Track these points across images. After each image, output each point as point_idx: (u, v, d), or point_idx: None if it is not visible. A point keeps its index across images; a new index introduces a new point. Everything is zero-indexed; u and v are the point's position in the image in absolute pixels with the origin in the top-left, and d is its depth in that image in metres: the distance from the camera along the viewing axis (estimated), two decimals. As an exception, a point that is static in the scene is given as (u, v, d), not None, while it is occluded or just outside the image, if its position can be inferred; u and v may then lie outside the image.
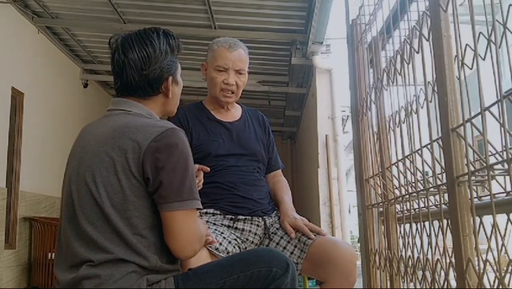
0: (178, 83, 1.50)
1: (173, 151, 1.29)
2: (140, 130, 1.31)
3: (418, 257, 1.47)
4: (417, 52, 1.42)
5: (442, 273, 1.29)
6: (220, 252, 1.66)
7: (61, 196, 1.40)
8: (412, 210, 1.58)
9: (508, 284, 1.07)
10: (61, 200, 1.39)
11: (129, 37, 1.42)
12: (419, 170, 1.48)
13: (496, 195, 1.14)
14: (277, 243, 1.83)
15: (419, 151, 1.43)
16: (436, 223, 1.37)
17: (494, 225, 1.03)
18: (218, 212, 1.82)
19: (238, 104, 2.09)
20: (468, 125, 1.16)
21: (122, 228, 1.26)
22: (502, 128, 1.05)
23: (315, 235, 1.80)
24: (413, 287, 1.50)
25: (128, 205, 1.27)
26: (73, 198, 1.32)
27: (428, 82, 1.34)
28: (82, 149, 1.37)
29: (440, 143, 1.27)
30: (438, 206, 1.39)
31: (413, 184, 1.53)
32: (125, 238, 1.26)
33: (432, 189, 1.38)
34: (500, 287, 1.02)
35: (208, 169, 1.74)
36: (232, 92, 1.94)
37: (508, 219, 1.06)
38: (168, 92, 1.45)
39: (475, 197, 1.20)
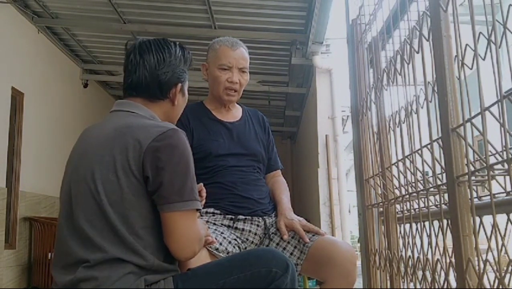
0: (184, 94, 1.53)
1: (174, 151, 1.29)
2: (142, 130, 1.31)
3: (418, 257, 1.47)
4: (417, 52, 1.42)
5: (442, 273, 1.29)
6: (220, 252, 1.66)
7: (60, 195, 1.40)
8: (412, 210, 1.58)
9: (508, 284, 1.07)
10: (60, 199, 1.39)
11: (147, 41, 1.47)
12: (419, 170, 1.48)
13: (496, 195, 1.14)
14: (277, 244, 1.83)
15: (419, 151, 1.43)
16: (436, 223, 1.37)
17: (494, 225, 1.03)
18: (218, 211, 1.82)
19: (238, 104, 2.10)
20: (468, 125, 1.16)
21: (119, 227, 1.26)
22: (502, 128, 1.05)
23: (313, 235, 1.80)
24: (413, 287, 1.50)
25: (126, 204, 1.27)
26: (71, 196, 1.32)
27: (428, 82, 1.34)
28: (83, 148, 1.38)
29: (440, 143, 1.27)
30: (438, 206, 1.39)
31: (413, 184, 1.52)
32: (122, 236, 1.26)
33: (432, 189, 1.38)
34: (500, 287, 1.02)
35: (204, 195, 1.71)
36: (235, 91, 1.95)
37: (508, 219, 1.06)
38: (175, 99, 1.47)
39: (475, 197, 1.20)
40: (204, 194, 1.66)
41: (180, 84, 1.47)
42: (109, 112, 1.47)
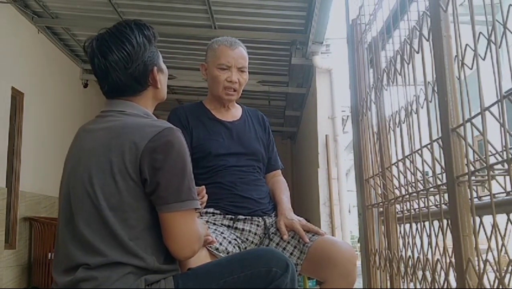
0: (163, 71, 1.48)
1: (170, 151, 1.28)
2: (137, 131, 1.30)
3: (418, 257, 1.47)
4: (417, 52, 1.42)
5: (442, 273, 1.29)
6: (220, 252, 1.66)
7: (59, 198, 1.39)
8: (412, 210, 1.58)
9: (508, 284, 1.07)
10: (59, 203, 1.39)
11: (103, 38, 1.38)
12: (419, 170, 1.48)
13: (496, 195, 1.14)
14: (277, 244, 1.83)
15: (419, 151, 1.43)
16: (436, 223, 1.37)
17: (494, 225, 1.03)
18: (218, 211, 1.82)
19: (238, 104, 2.10)
20: (468, 125, 1.16)
21: (119, 231, 1.25)
22: (502, 128, 1.05)
23: (313, 235, 1.80)
24: (413, 287, 1.50)
25: (125, 207, 1.27)
26: (70, 201, 1.32)
27: (428, 82, 1.34)
28: (79, 151, 1.37)
29: (440, 143, 1.27)
30: (438, 206, 1.39)
31: (413, 184, 1.52)
32: (122, 240, 1.25)
33: (432, 189, 1.38)
34: (500, 287, 1.02)
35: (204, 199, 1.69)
36: (235, 90, 1.95)
37: (508, 219, 1.06)
38: (156, 83, 1.43)
39: (475, 197, 1.20)
40: (205, 197, 1.65)
41: (155, 67, 1.42)
42: (101, 112, 1.44)
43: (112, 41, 1.36)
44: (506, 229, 1.06)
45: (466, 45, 1.14)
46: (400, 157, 1.62)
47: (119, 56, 1.35)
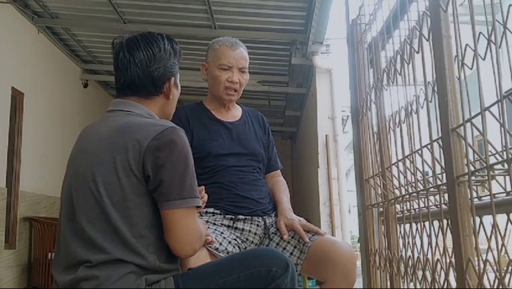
0: (178, 87, 1.52)
1: (173, 149, 1.30)
2: (141, 129, 1.32)
3: (418, 257, 1.47)
4: (417, 52, 1.42)
5: (442, 273, 1.29)
6: (220, 252, 1.66)
7: (61, 198, 1.40)
8: (412, 210, 1.58)
9: (508, 284, 1.07)
10: (61, 202, 1.39)
11: (134, 37, 1.44)
12: (419, 170, 1.48)
13: (496, 195, 1.14)
14: (277, 244, 1.83)
15: (419, 151, 1.43)
16: (436, 223, 1.37)
17: (494, 225, 1.03)
18: (218, 211, 1.82)
19: (238, 104, 2.10)
20: (468, 125, 1.16)
21: (122, 227, 1.26)
22: (502, 128, 1.05)
23: (313, 235, 1.80)
24: (413, 287, 1.50)
25: (128, 204, 1.27)
26: (72, 198, 1.32)
27: (428, 82, 1.34)
28: (82, 150, 1.38)
29: (440, 143, 1.27)
30: (438, 206, 1.39)
31: (413, 184, 1.52)
32: (124, 237, 1.26)
33: (432, 189, 1.38)
34: (500, 287, 1.02)
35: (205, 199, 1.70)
36: (235, 90, 1.95)
37: (508, 219, 1.06)
38: (169, 93, 1.46)
39: (475, 197, 1.20)
40: (205, 197, 1.65)
41: (173, 78, 1.46)
42: (106, 112, 1.46)
43: (142, 41, 1.43)
44: (506, 229, 1.06)
45: (466, 45, 1.14)
46: (400, 157, 1.62)
47: (144, 54, 1.41)
